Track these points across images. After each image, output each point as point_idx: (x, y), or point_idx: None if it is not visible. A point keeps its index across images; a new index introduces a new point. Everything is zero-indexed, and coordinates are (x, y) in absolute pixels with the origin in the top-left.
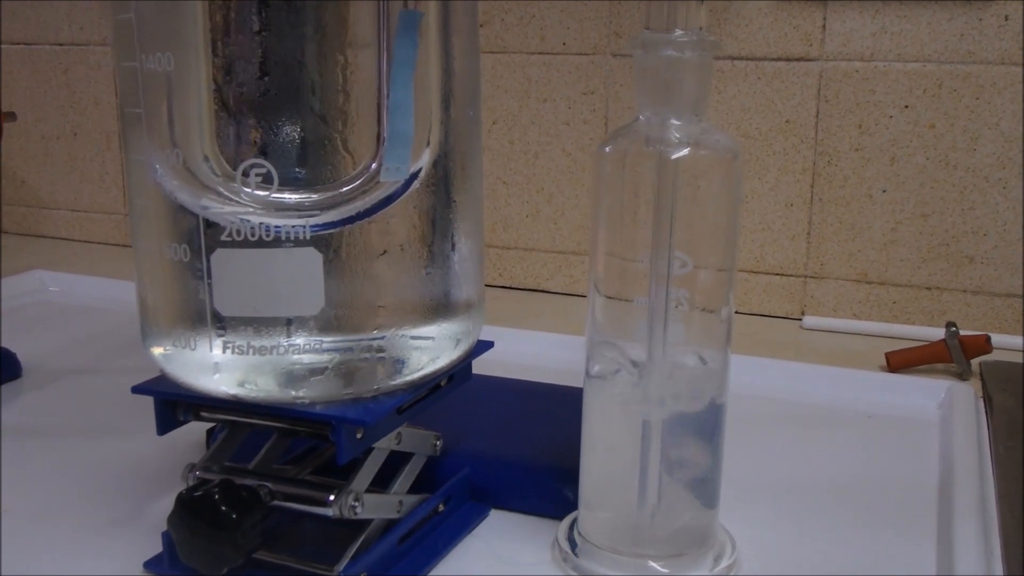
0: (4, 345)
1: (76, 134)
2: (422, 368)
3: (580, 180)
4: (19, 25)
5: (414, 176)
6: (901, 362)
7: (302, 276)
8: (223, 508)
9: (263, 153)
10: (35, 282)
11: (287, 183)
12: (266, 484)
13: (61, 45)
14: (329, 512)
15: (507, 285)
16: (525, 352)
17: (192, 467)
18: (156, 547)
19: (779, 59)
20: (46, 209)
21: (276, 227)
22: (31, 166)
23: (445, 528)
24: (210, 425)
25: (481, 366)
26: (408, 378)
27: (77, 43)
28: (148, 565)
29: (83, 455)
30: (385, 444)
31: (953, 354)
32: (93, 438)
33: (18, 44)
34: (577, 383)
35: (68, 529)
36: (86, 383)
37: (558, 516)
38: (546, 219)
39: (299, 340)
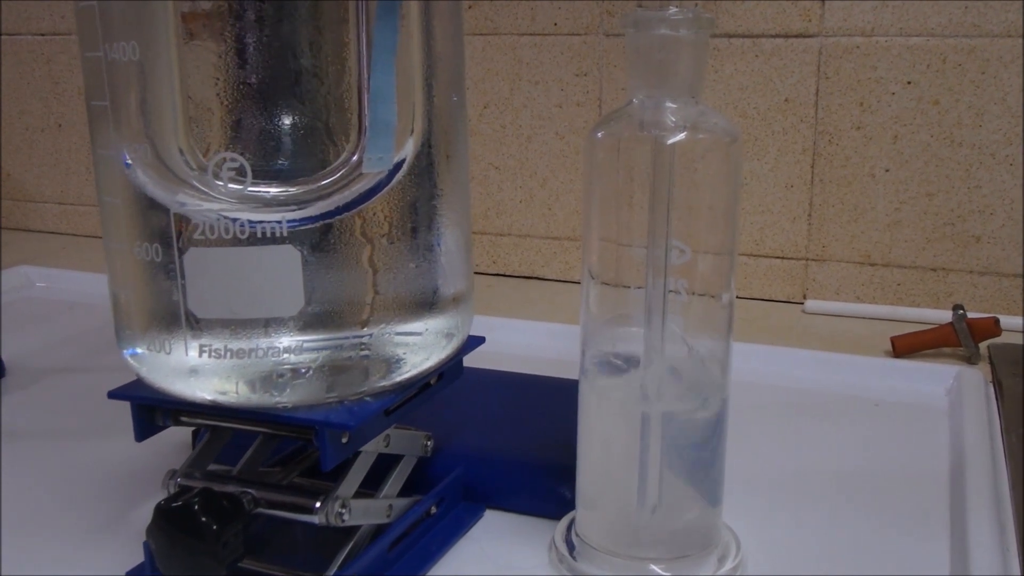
0: None
1: (61, 126)
2: (410, 368)
3: (574, 164)
4: None
5: (398, 166)
6: (907, 346)
7: (280, 275)
8: (203, 519)
9: (238, 145)
10: (20, 278)
11: (264, 176)
12: (249, 491)
13: (43, 35)
14: (315, 520)
15: (500, 273)
16: (519, 342)
17: (173, 473)
18: (139, 556)
19: (777, 36)
20: (31, 202)
21: (251, 223)
22: (15, 159)
23: (438, 531)
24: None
25: (472, 358)
26: (396, 378)
27: (59, 33)
28: (131, 574)
29: (66, 458)
30: (373, 447)
31: (961, 337)
32: (77, 440)
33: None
34: (574, 374)
35: (51, 535)
36: (71, 382)
37: (555, 516)
38: (540, 204)
39: (279, 342)
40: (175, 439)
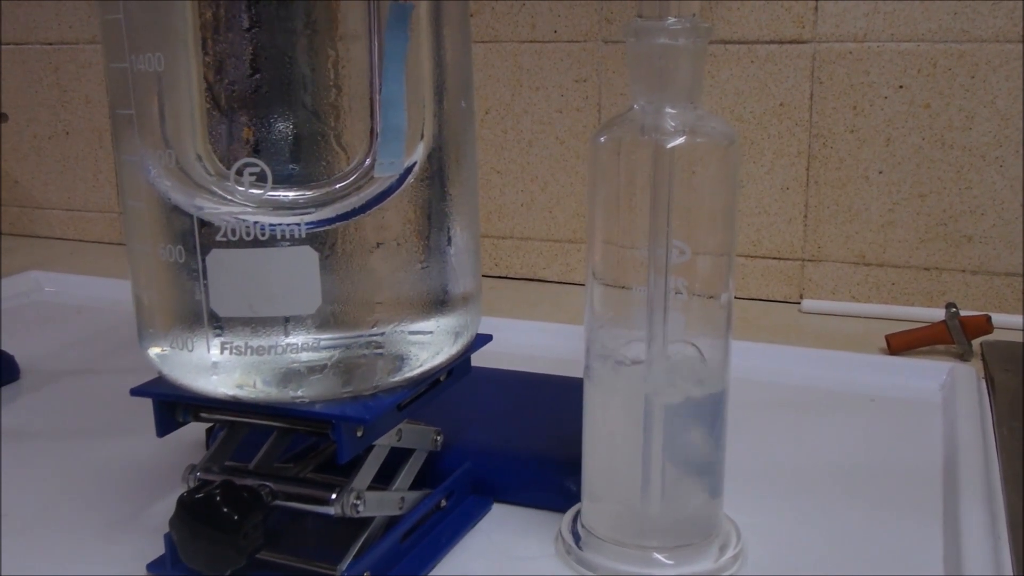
0: (1, 347)
1: (68, 133)
2: (422, 364)
3: (574, 168)
4: (8, 25)
5: (409, 170)
6: (902, 344)
7: (298, 274)
8: (224, 510)
9: (256, 151)
10: (30, 283)
11: (281, 181)
12: (267, 484)
13: (51, 44)
14: (331, 511)
15: (503, 275)
16: (523, 343)
17: (193, 468)
18: (159, 549)
19: (772, 42)
20: (40, 209)
21: (271, 226)
22: (24, 166)
23: (448, 523)
24: (209, 424)
25: (479, 358)
26: (408, 374)
27: (67, 42)
28: (151, 567)
29: (83, 457)
30: (386, 441)
31: (954, 335)
32: (93, 439)
33: (8, 44)
34: (577, 373)
35: (70, 531)
36: (85, 384)
37: (561, 508)
38: (541, 208)
39: (297, 339)
40: (189, 438)
